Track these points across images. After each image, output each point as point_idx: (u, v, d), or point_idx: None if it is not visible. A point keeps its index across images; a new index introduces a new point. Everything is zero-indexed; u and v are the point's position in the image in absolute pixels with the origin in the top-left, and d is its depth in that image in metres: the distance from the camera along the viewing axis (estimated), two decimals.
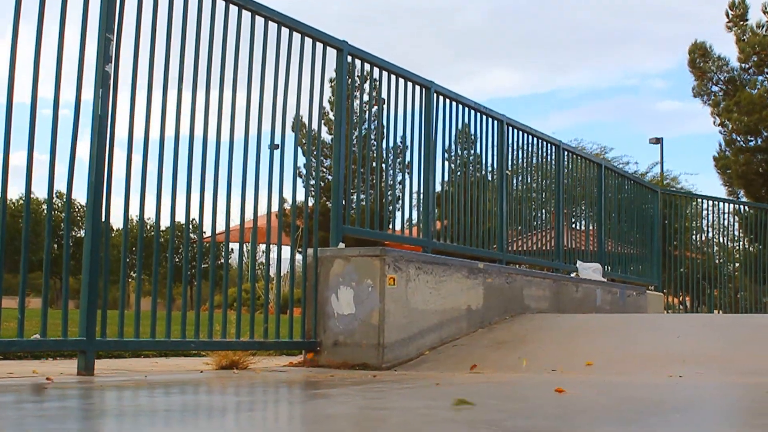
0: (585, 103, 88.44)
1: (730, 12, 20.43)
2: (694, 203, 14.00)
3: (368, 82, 6.27)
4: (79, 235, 51.42)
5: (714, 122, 20.72)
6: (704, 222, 13.79)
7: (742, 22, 20.22)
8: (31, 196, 4.18)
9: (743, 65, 20.28)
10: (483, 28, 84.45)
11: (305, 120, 5.67)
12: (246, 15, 5.21)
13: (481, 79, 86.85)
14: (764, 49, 19.72)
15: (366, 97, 6.44)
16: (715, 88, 20.70)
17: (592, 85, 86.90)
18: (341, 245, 5.66)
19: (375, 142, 6.45)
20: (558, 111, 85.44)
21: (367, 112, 6.39)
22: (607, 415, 2.95)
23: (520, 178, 8.48)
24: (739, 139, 20.17)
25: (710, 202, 13.51)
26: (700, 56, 20.77)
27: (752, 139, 20.11)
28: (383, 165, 6.61)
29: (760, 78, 20.24)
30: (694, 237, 14.11)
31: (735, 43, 20.36)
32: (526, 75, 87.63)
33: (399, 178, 7.00)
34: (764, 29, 20.02)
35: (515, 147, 8.10)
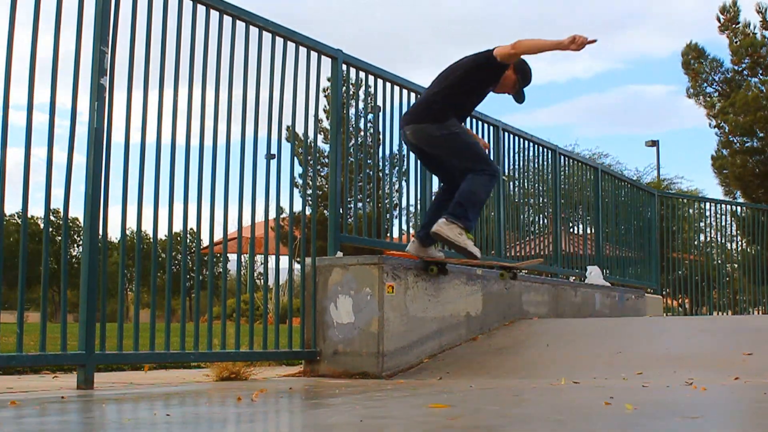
0: (582, 95, 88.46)
1: (721, 16, 20.47)
2: (692, 206, 14.03)
3: (363, 89, 6.27)
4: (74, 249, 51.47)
5: (710, 124, 20.75)
6: (702, 223, 13.81)
7: (734, 25, 20.26)
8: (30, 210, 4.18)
9: (736, 67, 20.32)
10: (479, 15, 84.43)
11: (301, 129, 5.68)
12: (240, 25, 5.22)
13: None
14: (756, 51, 19.75)
15: (361, 105, 6.45)
16: (710, 90, 20.73)
17: (590, 76, 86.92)
18: (339, 254, 5.66)
19: (372, 150, 6.46)
20: (555, 103, 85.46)
21: (363, 120, 6.40)
22: (608, 420, 2.94)
23: (517, 184, 8.49)
24: (735, 140, 20.20)
25: (708, 204, 13.54)
26: (694, 58, 20.81)
27: (748, 140, 20.13)
28: (380, 173, 6.62)
29: (754, 80, 20.28)
30: (692, 239, 14.12)
31: (728, 46, 20.41)
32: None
33: (396, 185, 7.01)
34: (755, 28, 20.07)
35: (511, 152, 8.11)
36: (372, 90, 6.22)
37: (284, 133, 5.50)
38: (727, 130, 20.26)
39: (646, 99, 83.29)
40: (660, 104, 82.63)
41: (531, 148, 8.50)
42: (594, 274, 9.05)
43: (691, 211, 13.98)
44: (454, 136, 5.42)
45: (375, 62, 6.18)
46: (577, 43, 5.08)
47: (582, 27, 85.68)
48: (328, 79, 6.02)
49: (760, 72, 20.03)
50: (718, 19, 20.44)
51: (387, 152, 6.54)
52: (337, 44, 5.89)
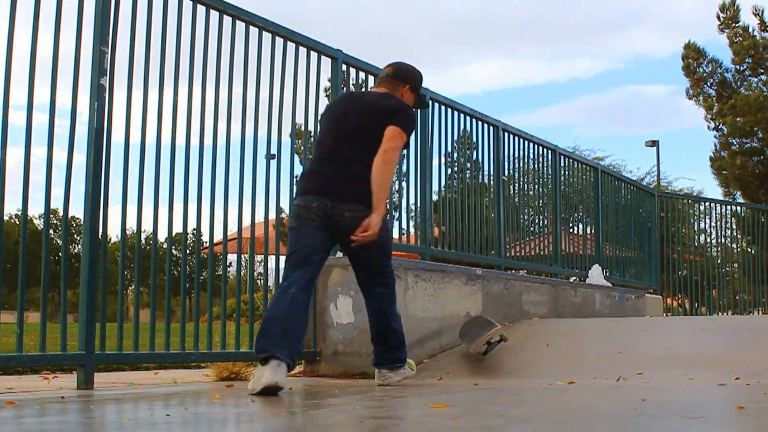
0: (582, 94, 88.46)
1: (721, 15, 20.45)
2: (693, 206, 14.03)
3: (363, 89, 6.27)
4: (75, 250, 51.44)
5: (708, 126, 20.74)
6: (702, 224, 13.82)
7: (734, 24, 20.24)
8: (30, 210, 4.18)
9: (738, 67, 20.31)
10: (479, 15, 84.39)
11: (301, 129, 5.67)
12: (240, 25, 5.22)
13: (476, 68, 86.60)
14: (758, 52, 19.74)
15: None
16: (710, 91, 20.71)
17: (590, 76, 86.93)
18: (339, 254, 5.65)
19: None
20: (555, 103, 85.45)
21: None
22: (609, 420, 2.94)
23: (517, 184, 8.49)
24: (734, 141, 20.19)
25: (708, 204, 13.53)
26: (693, 58, 20.78)
27: (747, 141, 20.12)
28: None
29: (755, 80, 20.27)
30: (692, 239, 14.12)
31: (729, 46, 20.39)
32: (522, 64, 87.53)
33: (396, 185, 7.01)
34: (753, 31, 20.06)
35: (511, 152, 8.11)
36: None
37: (285, 132, 5.50)
38: (725, 132, 20.25)
39: (646, 99, 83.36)
40: (660, 104, 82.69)
41: (531, 148, 8.50)
42: (595, 275, 9.05)
43: (691, 211, 13.98)
44: (389, 231, 4.70)
45: (375, 62, 6.18)
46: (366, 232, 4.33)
47: (582, 27, 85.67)
48: (329, 80, 6.02)
49: (762, 73, 20.02)
50: (718, 18, 20.43)
51: None
52: (337, 44, 5.90)
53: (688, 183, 36.26)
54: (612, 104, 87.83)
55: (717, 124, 20.26)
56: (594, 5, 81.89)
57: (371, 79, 6.18)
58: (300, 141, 5.70)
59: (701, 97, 20.74)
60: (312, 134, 5.77)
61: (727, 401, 3.74)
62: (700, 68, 20.52)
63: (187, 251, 5.27)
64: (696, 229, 14.29)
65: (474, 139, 7.58)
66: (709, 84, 20.64)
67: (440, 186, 7.09)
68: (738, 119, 19.45)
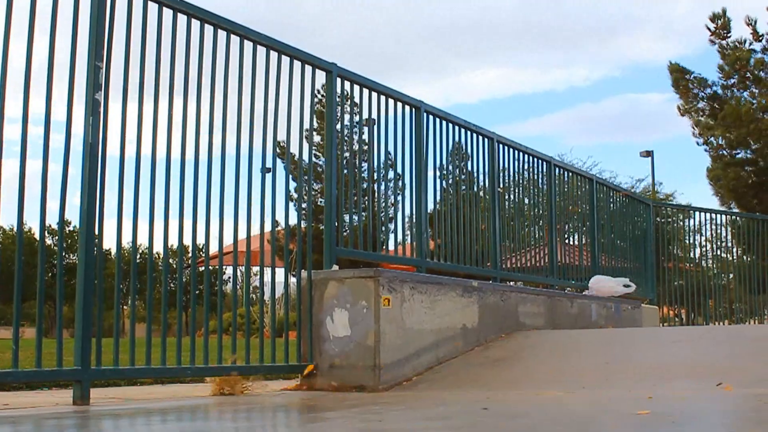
0: (579, 103, 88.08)
1: (711, 25, 20.43)
2: (689, 217, 14.05)
3: (358, 103, 6.28)
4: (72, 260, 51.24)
5: (697, 142, 20.84)
6: (698, 234, 13.84)
7: (725, 33, 20.27)
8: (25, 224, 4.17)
9: (727, 81, 20.34)
10: (478, 23, 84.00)
11: (296, 143, 5.67)
12: (234, 40, 5.23)
13: (472, 77, 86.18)
14: (747, 64, 19.79)
15: (356, 118, 6.46)
16: (701, 105, 20.75)
17: (588, 84, 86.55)
18: (335, 267, 5.66)
19: (366, 164, 6.46)
20: (550, 112, 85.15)
21: (358, 133, 6.41)
22: (606, 430, 2.94)
23: (512, 196, 8.51)
24: (726, 153, 20.27)
25: (703, 214, 13.55)
26: (680, 77, 20.79)
27: (740, 152, 20.19)
28: (375, 186, 6.63)
29: (745, 93, 20.32)
30: (688, 249, 14.14)
31: (720, 58, 20.44)
32: (516, 74, 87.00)
33: (391, 198, 7.01)
34: (747, 44, 20.10)
35: (506, 164, 8.13)
36: (366, 104, 6.23)
37: (279, 144, 5.51)
38: (715, 145, 20.34)
39: (641, 107, 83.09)
40: (655, 112, 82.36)
41: (526, 160, 8.52)
42: (622, 284, 9.12)
43: (686, 221, 14.00)
44: None
45: (372, 72, 6.22)
46: None
47: (579, 35, 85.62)
48: (320, 88, 6.03)
49: (752, 86, 20.06)
50: (708, 28, 20.46)
51: (381, 164, 6.53)
52: (333, 51, 5.92)
53: (680, 195, 36.26)
54: (607, 113, 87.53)
55: (706, 138, 20.37)
56: (591, 13, 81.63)
57: (365, 92, 6.19)
58: (294, 155, 5.69)
59: (692, 112, 20.83)
60: (307, 147, 5.78)
61: (725, 410, 3.74)
62: (690, 86, 20.61)
63: (183, 265, 5.25)
64: (691, 240, 14.31)
65: (469, 152, 7.59)
66: (699, 98, 20.72)
67: (435, 198, 7.09)
68: (729, 132, 19.54)
